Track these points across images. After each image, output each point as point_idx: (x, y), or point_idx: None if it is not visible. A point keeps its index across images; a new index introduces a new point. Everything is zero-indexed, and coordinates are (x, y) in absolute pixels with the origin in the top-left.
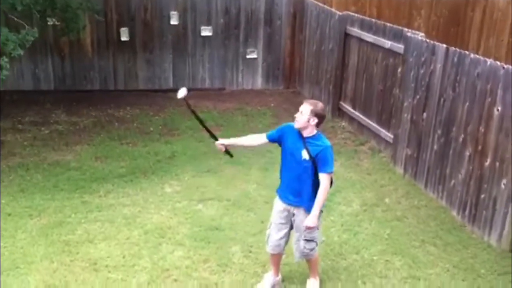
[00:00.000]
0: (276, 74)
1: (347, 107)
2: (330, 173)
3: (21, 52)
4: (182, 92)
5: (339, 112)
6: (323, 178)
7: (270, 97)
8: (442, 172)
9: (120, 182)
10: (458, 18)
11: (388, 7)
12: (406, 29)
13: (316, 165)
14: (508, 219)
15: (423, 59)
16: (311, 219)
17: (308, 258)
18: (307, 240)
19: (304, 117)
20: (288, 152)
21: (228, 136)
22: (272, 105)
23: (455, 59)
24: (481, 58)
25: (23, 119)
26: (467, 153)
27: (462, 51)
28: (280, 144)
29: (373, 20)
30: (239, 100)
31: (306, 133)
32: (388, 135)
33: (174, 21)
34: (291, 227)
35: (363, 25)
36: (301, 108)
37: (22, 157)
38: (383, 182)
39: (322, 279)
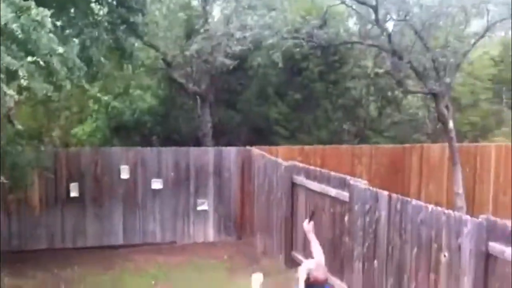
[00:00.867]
0: (228, 225)
1: (299, 256)
2: None
3: None
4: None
5: (292, 262)
6: None
7: (222, 249)
8: None
9: None
10: (397, 166)
11: (331, 156)
12: (349, 177)
13: None
14: None
15: (367, 206)
16: None
17: None
18: None
19: None
20: None
21: None
22: (225, 257)
23: (398, 206)
24: (423, 204)
25: None
26: None
27: (404, 198)
28: None
29: (318, 169)
30: (191, 253)
31: None
32: (342, 285)
33: (124, 175)
34: None
35: (309, 174)
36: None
37: None
38: None
39: None
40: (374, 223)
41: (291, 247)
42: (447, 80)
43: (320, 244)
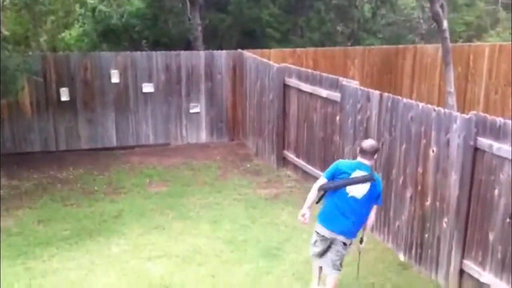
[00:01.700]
0: (220, 127)
1: (291, 155)
2: None
3: None
4: None
5: (283, 161)
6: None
7: (215, 150)
8: (386, 214)
9: (65, 245)
10: (390, 66)
11: (323, 58)
12: (341, 78)
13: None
14: (453, 256)
15: (359, 106)
16: None
17: None
18: None
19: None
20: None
21: (177, 191)
22: (218, 158)
23: (389, 105)
24: (413, 102)
25: None
26: (408, 195)
27: (395, 97)
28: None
29: (310, 71)
30: (184, 154)
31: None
32: None
33: (115, 79)
34: None
35: (301, 76)
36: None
37: None
38: None
39: None
40: (365, 122)
41: (282, 147)
42: None
43: (311, 144)
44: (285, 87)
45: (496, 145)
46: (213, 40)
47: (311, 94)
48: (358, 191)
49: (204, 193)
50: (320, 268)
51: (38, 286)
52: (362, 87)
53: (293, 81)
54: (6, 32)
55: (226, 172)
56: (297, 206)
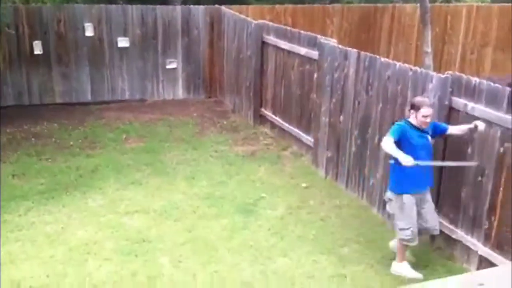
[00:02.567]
0: (197, 84)
1: (268, 113)
2: None
3: None
4: None
5: (260, 118)
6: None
7: (192, 106)
8: (361, 172)
9: (41, 199)
10: (369, 25)
11: (302, 16)
12: (319, 36)
13: (438, 133)
14: None
15: (336, 64)
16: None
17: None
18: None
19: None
20: (417, 146)
21: (154, 147)
22: (195, 114)
23: (367, 63)
24: (391, 61)
25: None
26: (383, 152)
27: (373, 55)
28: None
29: (288, 28)
30: (161, 110)
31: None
32: (308, 139)
33: (89, 33)
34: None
35: (279, 33)
36: (428, 112)
37: None
38: (306, 185)
39: (252, 284)
40: (342, 80)
41: (260, 105)
42: None
43: (288, 102)
44: (263, 44)
45: (470, 104)
46: None
47: (289, 51)
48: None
49: (181, 149)
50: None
51: (15, 240)
52: (340, 46)
53: (271, 39)
54: None
55: (203, 129)
56: (274, 163)
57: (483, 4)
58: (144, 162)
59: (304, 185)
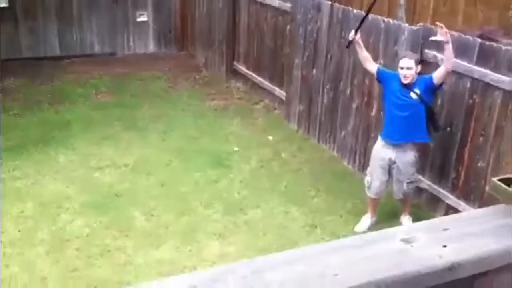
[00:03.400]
0: (168, 37)
1: (241, 67)
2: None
3: None
4: None
5: (233, 72)
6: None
7: (164, 61)
8: (332, 125)
9: (10, 155)
10: None
11: None
12: None
13: (430, 85)
14: None
15: (310, 16)
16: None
17: (407, 197)
18: (410, 182)
19: (412, 71)
20: (395, 96)
21: (125, 102)
22: (167, 69)
23: (340, 15)
24: (363, 13)
25: None
26: (354, 105)
27: (346, 7)
28: (382, 84)
29: None
30: (132, 65)
31: (412, 81)
32: (281, 93)
33: None
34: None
35: None
36: (406, 64)
37: None
38: (278, 138)
39: (224, 235)
40: (316, 33)
41: (232, 58)
42: None
43: (261, 55)
44: None
45: (440, 56)
46: None
47: (262, 3)
48: None
49: (153, 104)
50: None
51: None
52: None
53: None
54: None
55: (175, 84)
56: (246, 117)
57: None
58: (115, 117)
59: (270, 138)
